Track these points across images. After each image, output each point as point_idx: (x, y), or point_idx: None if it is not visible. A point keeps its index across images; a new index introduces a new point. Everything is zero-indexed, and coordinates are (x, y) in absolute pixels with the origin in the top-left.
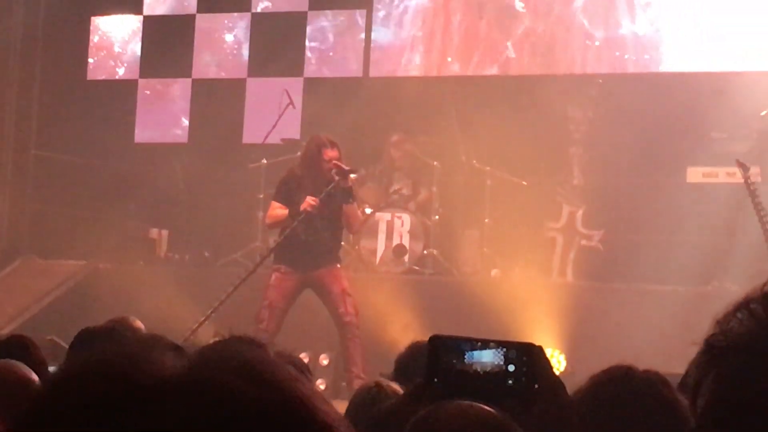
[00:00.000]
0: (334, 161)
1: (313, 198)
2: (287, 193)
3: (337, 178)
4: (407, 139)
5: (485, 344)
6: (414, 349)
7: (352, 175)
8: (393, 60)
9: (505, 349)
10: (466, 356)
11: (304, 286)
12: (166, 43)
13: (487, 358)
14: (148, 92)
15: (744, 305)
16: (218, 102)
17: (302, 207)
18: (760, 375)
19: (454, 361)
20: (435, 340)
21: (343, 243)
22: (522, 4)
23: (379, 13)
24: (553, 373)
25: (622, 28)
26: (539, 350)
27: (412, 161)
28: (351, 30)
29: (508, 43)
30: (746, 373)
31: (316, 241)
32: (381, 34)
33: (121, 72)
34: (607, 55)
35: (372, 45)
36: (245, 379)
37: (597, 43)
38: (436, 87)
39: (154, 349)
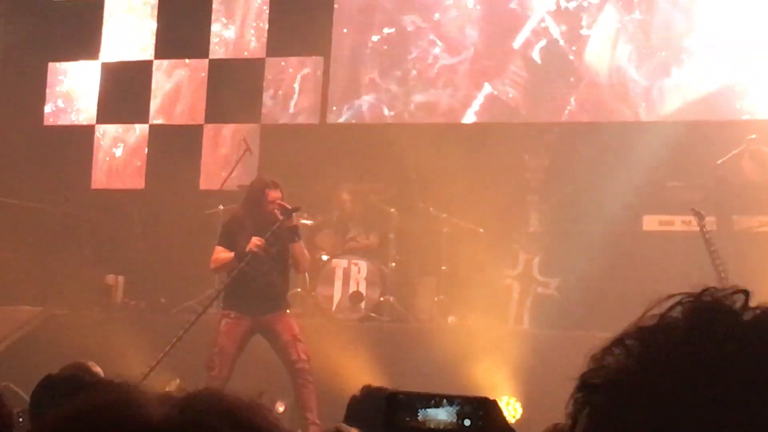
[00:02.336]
0: (278, 201)
1: (259, 238)
2: (231, 237)
3: (281, 217)
4: (359, 188)
5: (440, 401)
6: (365, 393)
7: (295, 213)
8: (351, 106)
9: (459, 405)
10: (420, 413)
11: (254, 331)
12: (124, 89)
13: (442, 414)
14: (104, 138)
15: (620, 341)
16: (176, 148)
17: (248, 248)
18: (632, 411)
19: (408, 418)
20: (390, 398)
21: (299, 289)
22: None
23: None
24: (509, 426)
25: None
26: (493, 404)
27: (364, 208)
28: (308, 76)
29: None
30: (619, 409)
31: (265, 283)
32: (337, 82)
33: (78, 118)
34: (561, 106)
35: (329, 92)
36: (230, 424)
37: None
38: (394, 134)
39: (139, 397)
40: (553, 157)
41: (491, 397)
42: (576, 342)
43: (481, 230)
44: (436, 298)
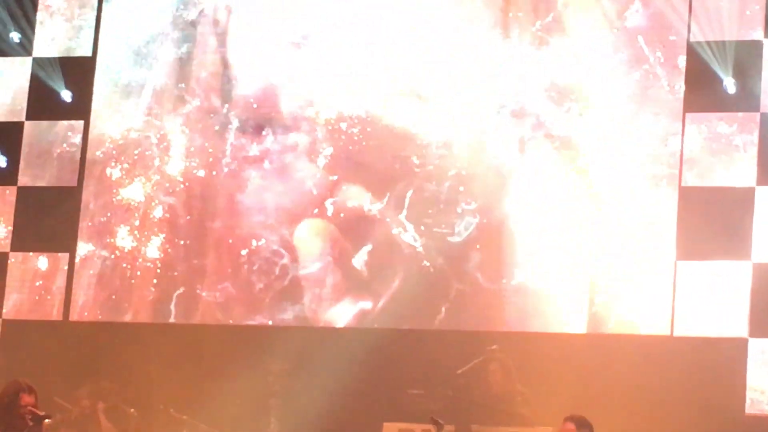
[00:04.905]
0: (30, 407)
1: None
2: None
3: (31, 423)
4: (100, 387)
5: None
6: None
7: (47, 420)
8: (92, 306)
9: None
10: None
11: None
12: None
13: None
14: None
15: None
16: None
17: None
18: None
19: None
20: None
21: None
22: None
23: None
24: None
25: None
26: None
27: (105, 408)
28: (52, 274)
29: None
30: None
31: None
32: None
33: None
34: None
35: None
36: None
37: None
38: (134, 332)
39: None
40: (295, 361)
41: None
42: None
43: None
44: None
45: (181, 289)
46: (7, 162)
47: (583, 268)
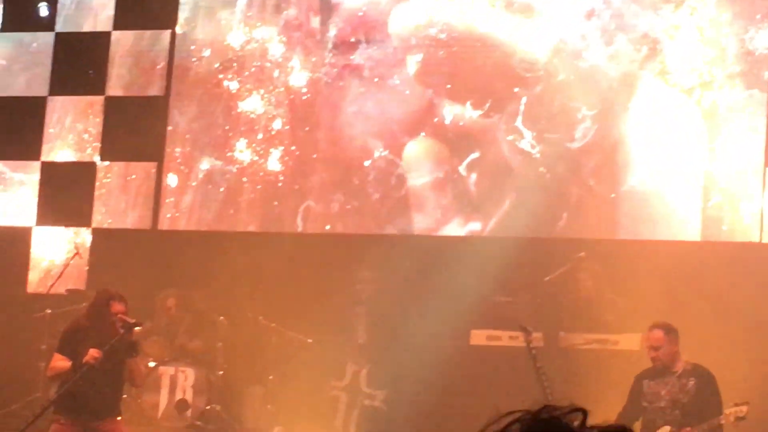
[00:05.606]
0: (120, 315)
1: (97, 351)
2: (71, 345)
3: (122, 331)
4: (187, 294)
5: None
6: None
7: (137, 328)
8: (184, 213)
9: None
10: None
11: None
12: None
13: None
14: None
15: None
16: (2, 250)
17: (85, 359)
18: None
19: None
20: None
21: (125, 395)
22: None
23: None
24: None
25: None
26: None
27: (192, 316)
28: (140, 181)
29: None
30: None
31: (97, 393)
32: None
33: None
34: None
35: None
36: None
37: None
38: (225, 241)
39: None
40: (382, 269)
41: None
42: None
43: (310, 341)
44: (263, 408)
45: (286, 200)
46: (95, 73)
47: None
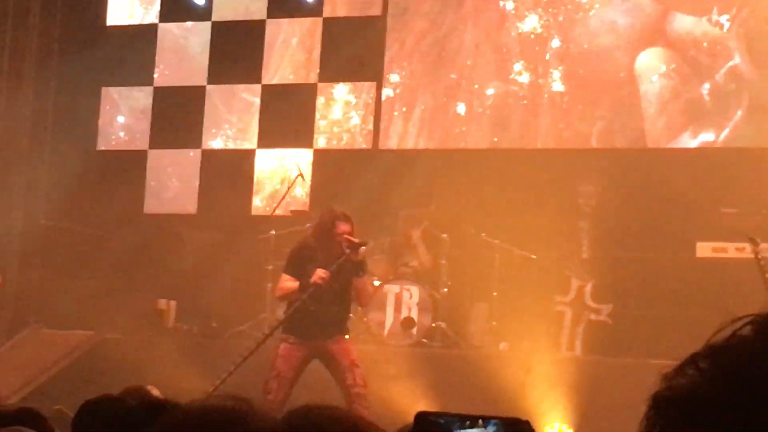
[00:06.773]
0: (346, 235)
1: (324, 271)
2: (298, 265)
3: (348, 251)
4: (414, 213)
5: (473, 422)
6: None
7: (362, 248)
8: (403, 132)
9: (494, 426)
10: None
11: (313, 356)
12: (176, 114)
13: None
14: (157, 163)
15: (691, 361)
16: (227, 173)
17: (312, 280)
18: (705, 426)
19: None
20: (420, 417)
21: (351, 315)
22: (532, 78)
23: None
24: None
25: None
26: (527, 425)
27: (426, 238)
28: (360, 102)
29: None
30: (692, 424)
31: (324, 313)
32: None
33: (130, 143)
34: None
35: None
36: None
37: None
38: (445, 159)
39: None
40: (606, 183)
41: (532, 421)
42: (628, 369)
43: (534, 256)
44: (488, 325)
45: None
46: None
47: None
